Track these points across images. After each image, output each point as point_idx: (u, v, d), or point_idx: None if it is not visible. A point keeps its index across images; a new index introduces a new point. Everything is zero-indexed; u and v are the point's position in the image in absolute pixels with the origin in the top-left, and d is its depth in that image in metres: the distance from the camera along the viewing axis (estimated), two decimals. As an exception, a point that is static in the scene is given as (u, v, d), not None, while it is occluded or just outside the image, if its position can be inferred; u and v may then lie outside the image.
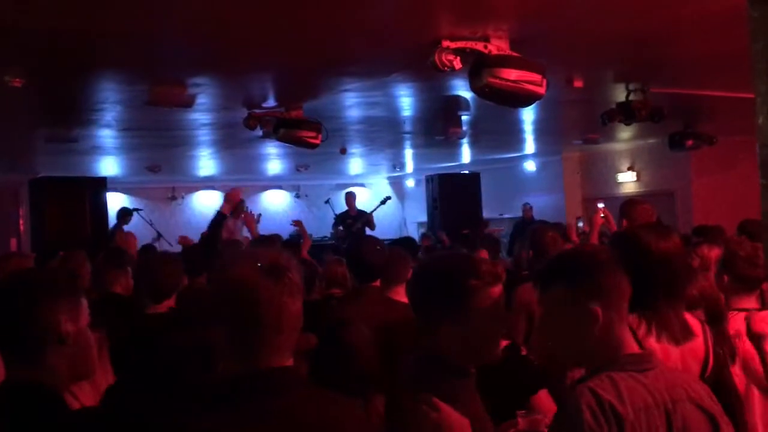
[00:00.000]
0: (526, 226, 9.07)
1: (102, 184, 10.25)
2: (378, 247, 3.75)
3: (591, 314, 1.72)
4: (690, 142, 8.93)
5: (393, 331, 3.03)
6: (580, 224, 9.32)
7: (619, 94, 6.46)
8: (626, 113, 6.41)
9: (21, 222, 11.65)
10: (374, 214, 10.84)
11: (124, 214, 10.24)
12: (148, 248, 7.75)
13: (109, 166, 11.34)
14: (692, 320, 2.40)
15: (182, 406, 1.62)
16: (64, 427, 1.68)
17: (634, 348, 1.78)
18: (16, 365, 1.73)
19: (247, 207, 8.53)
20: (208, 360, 2.27)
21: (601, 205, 5.96)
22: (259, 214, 11.00)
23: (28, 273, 1.89)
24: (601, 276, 1.76)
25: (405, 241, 5.54)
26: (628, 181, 12.27)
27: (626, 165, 12.29)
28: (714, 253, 4.69)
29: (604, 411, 1.58)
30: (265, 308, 1.55)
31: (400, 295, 3.77)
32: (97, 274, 4.70)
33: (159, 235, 10.79)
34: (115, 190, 12.70)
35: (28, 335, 1.72)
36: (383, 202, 10.95)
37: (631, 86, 6.32)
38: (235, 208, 9.20)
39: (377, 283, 3.68)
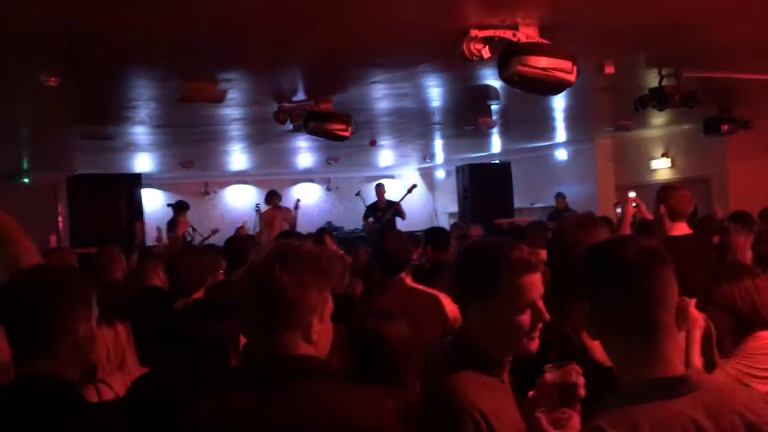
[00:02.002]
0: (559, 216, 9.00)
1: (137, 181, 10.43)
2: (403, 241, 3.80)
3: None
4: (725, 127, 8.76)
5: (420, 321, 3.05)
6: (618, 210, 9.19)
7: (652, 79, 6.37)
8: (659, 99, 6.32)
9: (60, 219, 11.92)
10: (404, 205, 10.86)
11: (182, 207, 10.48)
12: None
13: (143, 162, 11.52)
14: None
15: (205, 391, 1.66)
16: (83, 418, 1.72)
17: (672, 369, 1.47)
18: (30, 359, 1.75)
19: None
20: (228, 350, 2.33)
21: (632, 194, 5.87)
22: (298, 200, 11.14)
23: (54, 276, 1.88)
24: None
25: (436, 231, 5.55)
26: (662, 167, 12.07)
27: (660, 151, 12.08)
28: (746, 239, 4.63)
29: None
30: (280, 296, 1.59)
31: (410, 281, 3.85)
32: (135, 268, 4.82)
33: (193, 230, 10.95)
34: (150, 186, 12.92)
35: (46, 337, 1.75)
36: (410, 191, 10.95)
37: (664, 71, 6.22)
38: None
39: (402, 274, 3.72)
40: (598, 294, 1.53)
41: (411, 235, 6.04)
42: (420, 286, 3.80)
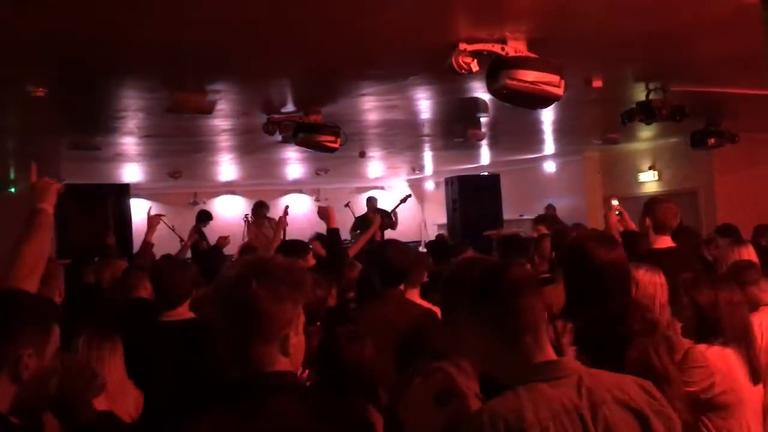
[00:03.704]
0: (547, 217, 8.98)
1: (125, 191, 10.38)
2: (403, 252, 3.75)
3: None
4: (712, 141, 8.81)
5: (417, 334, 3.04)
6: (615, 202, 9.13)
7: (639, 93, 6.41)
8: (647, 112, 6.35)
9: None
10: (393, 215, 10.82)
11: (204, 217, 10.44)
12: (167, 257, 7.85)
13: (131, 172, 11.46)
14: None
15: (185, 411, 1.64)
16: None
17: (545, 356, 1.71)
18: None
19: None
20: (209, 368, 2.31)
21: (615, 202, 5.84)
22: (287, 206, 11.07)
23: (4, 299, 1.81)
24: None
25: (438, 244, 5.52)
26: (649, 180, 12.15)
27: (647, 164, 12.17)
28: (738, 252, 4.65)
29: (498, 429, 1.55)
30: (257, 310, 1.58)
31: (416, 297, 3.80)
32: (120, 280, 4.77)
33: (181, 240, 10.87)
34: (138, 196, 12.84)
35: None
36: (404, 200, 10.92)
37: (651, 85, 6.26)
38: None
39: (402, 286, 3.69)
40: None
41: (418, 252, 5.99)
42: (420, 301, 3.76)
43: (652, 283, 3.18)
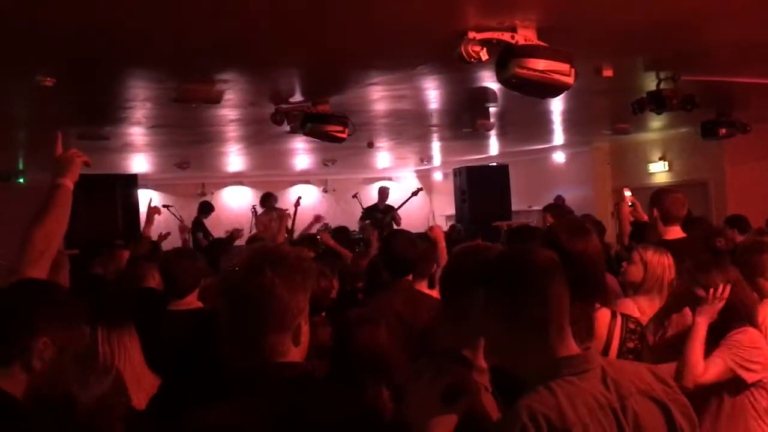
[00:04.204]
0: (555, 207, 8.94)
1: (133, 181, 10.40)
2: (412, 242, 3.75)
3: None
4: (723, 131, 8.74)
5: (426, 325, 3.03)
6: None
7: (650, 82, 6.36)
8: (657, 102, 6.30)
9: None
10: (404, 205, 10.83)
11: (206, 209, 10.43)
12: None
13: (139, 163, 11.48)
14: (602, 315, 2.41)
15: (195, 401, 1.62)
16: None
17: (569, 349, 1.67)
18: None
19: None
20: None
21: (627, 193, 5.82)
22: (299, 197, 11.08)
23: (24, 288, 1.80)
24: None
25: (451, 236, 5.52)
26: (659, 171, 12.07)
27: (657, 155, 12.08)
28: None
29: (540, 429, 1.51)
30: (272, 299, 1.55)
31: (424, 287, 3.80)
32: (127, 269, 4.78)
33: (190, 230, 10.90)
34: (146, 186, 12.87)
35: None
36: (414, 194, 10.90)
37: (662, 75, 6.21)
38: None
39: (410, 277, 3.68)
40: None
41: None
42: (428, 291, 3.77)
43: (660, 264, 3.37)
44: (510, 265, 1.69)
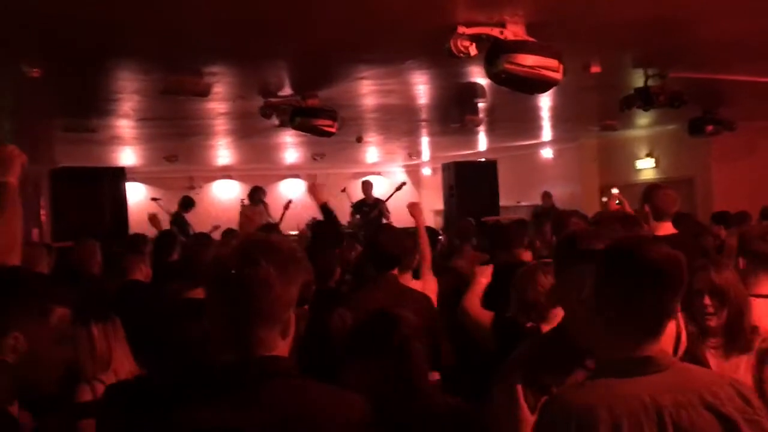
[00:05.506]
0: (546, 214, 8.99)
1: (121, 174, 10.32)
2: (396, 237, 3.76)
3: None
4: (710, 128, 8.81)
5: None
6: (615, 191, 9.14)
7: (638, 79, 6.39)
8: (645, 99, 6.34)
9: (42, 212, 11.77)
10: (391, 201, 10.84)
11: (187, 204, 10.41)
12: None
13: (127, 155, 11.42)
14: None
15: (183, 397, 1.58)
16: None
17: (644, 351, 1.63)
18: None
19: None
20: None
21: (615, 191, 5.88)
22: (289, 201, 11.09)
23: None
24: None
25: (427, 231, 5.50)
26: (646, 167, 12.14)
27: (644, 152, 12.16)
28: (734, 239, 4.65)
29: (568, 422, 1.54)
30: (266, 290, 1.51)
31: (409, 281, 3.82)
32: (115, 262, 4.76)
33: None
34: (134, 180, 12.81)
35: None
36: (399, 188, 10.91)
37: (650, 71, 6.24)
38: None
39: (395, 271, 3.69)
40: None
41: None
42: (413, 284, 3.78)
43: None
44: (632, 255, 1.65)
